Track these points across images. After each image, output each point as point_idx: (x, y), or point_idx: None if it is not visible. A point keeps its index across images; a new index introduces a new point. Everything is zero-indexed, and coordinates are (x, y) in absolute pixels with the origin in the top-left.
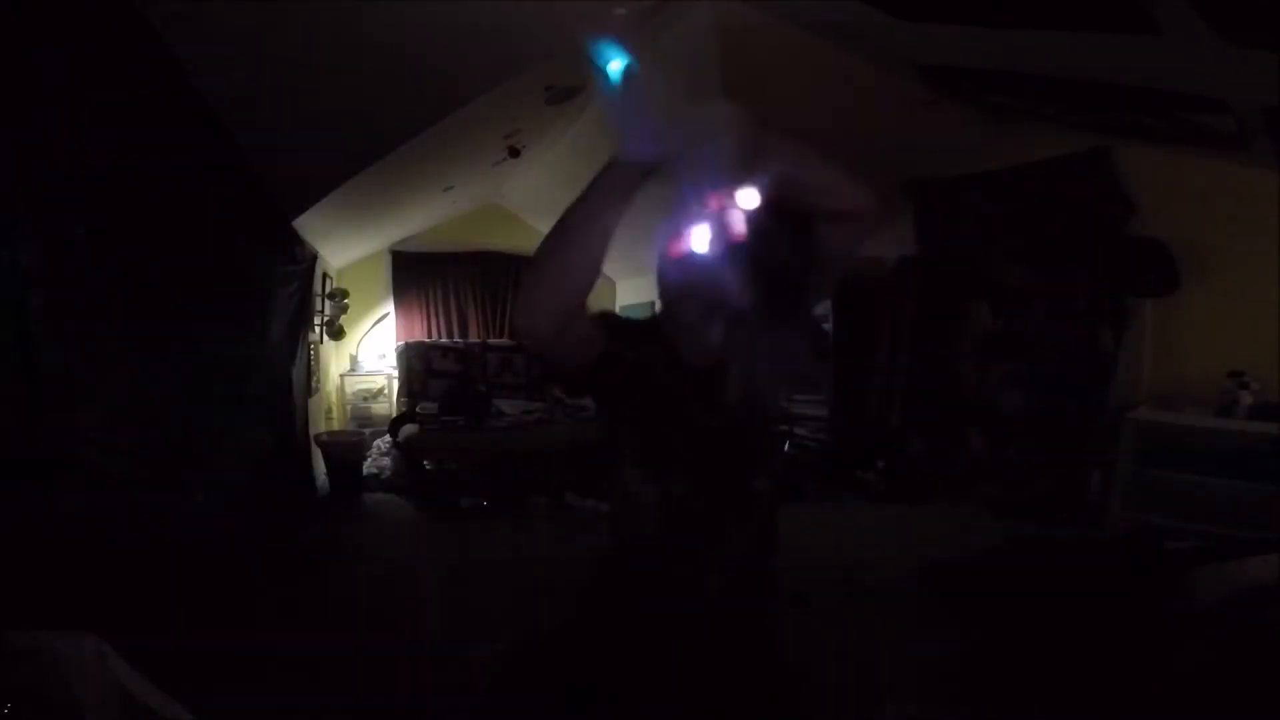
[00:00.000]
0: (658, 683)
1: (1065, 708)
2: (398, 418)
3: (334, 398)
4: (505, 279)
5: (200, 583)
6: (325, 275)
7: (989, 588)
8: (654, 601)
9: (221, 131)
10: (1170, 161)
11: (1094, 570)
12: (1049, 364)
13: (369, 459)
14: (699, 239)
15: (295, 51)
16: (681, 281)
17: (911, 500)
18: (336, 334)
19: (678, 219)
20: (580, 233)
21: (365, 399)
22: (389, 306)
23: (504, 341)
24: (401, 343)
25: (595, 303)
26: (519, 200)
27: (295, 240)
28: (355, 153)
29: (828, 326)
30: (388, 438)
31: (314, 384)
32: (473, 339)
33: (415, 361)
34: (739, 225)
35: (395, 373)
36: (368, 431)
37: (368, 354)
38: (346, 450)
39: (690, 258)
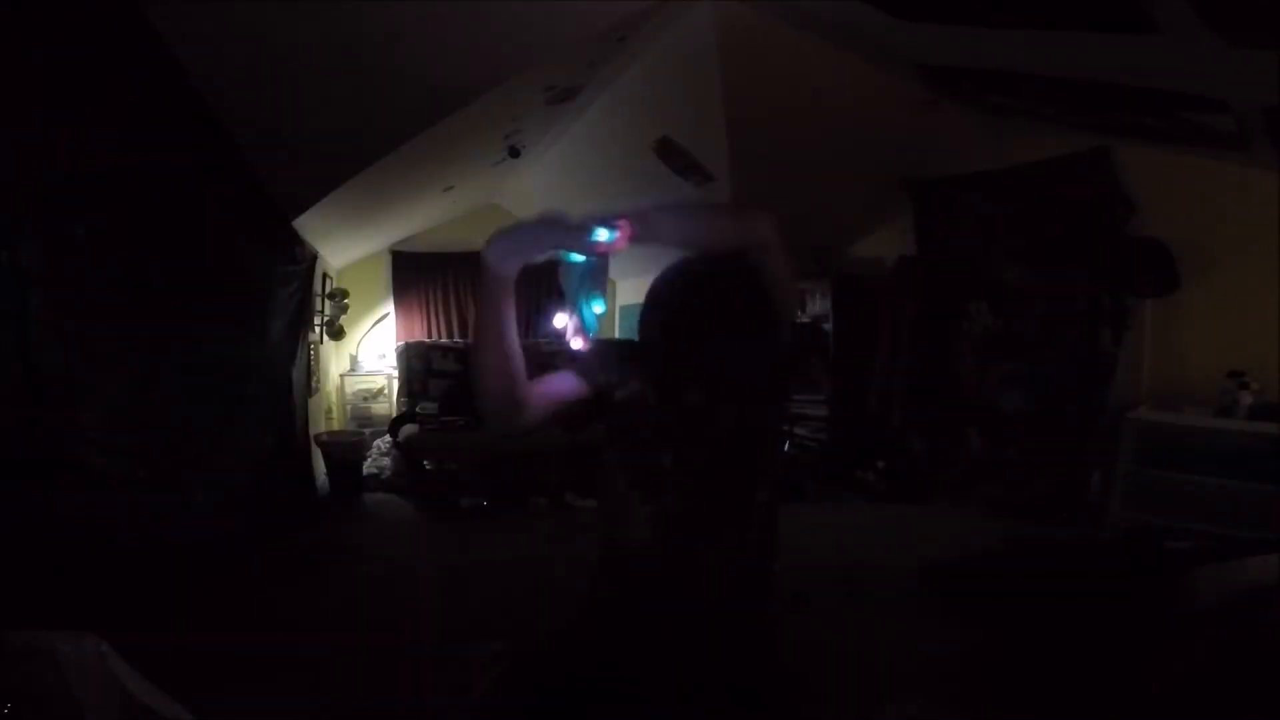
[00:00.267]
0: (657, 683)
1: (1065, 708)
2: (398, 418)
3: (334, 398)
4: None
5: (200, 583)
6: (325, 275)
7: (989, 588)
8: (653, 602)
9: (221, 131)
10: (1170, 161)
11: (1094, 570)
12: (1049, 364)
13: (369, 459)
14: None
15: (295, 51)
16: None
17: (911, 500)
18: (336, 334)
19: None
20: (489, 334)
21: (365, 399)
22: (389, 306)
23: None
24: (401, 343)
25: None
26: (519, 200)
27: (295, 240)
28: (355, 153)
29: (828, 326)
30: (388, 438)
31: (314, 384)
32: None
33: (415, 361)
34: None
35: (395, 373)
36: (368, 431)
37: (368, 354)
38: (346, 450)
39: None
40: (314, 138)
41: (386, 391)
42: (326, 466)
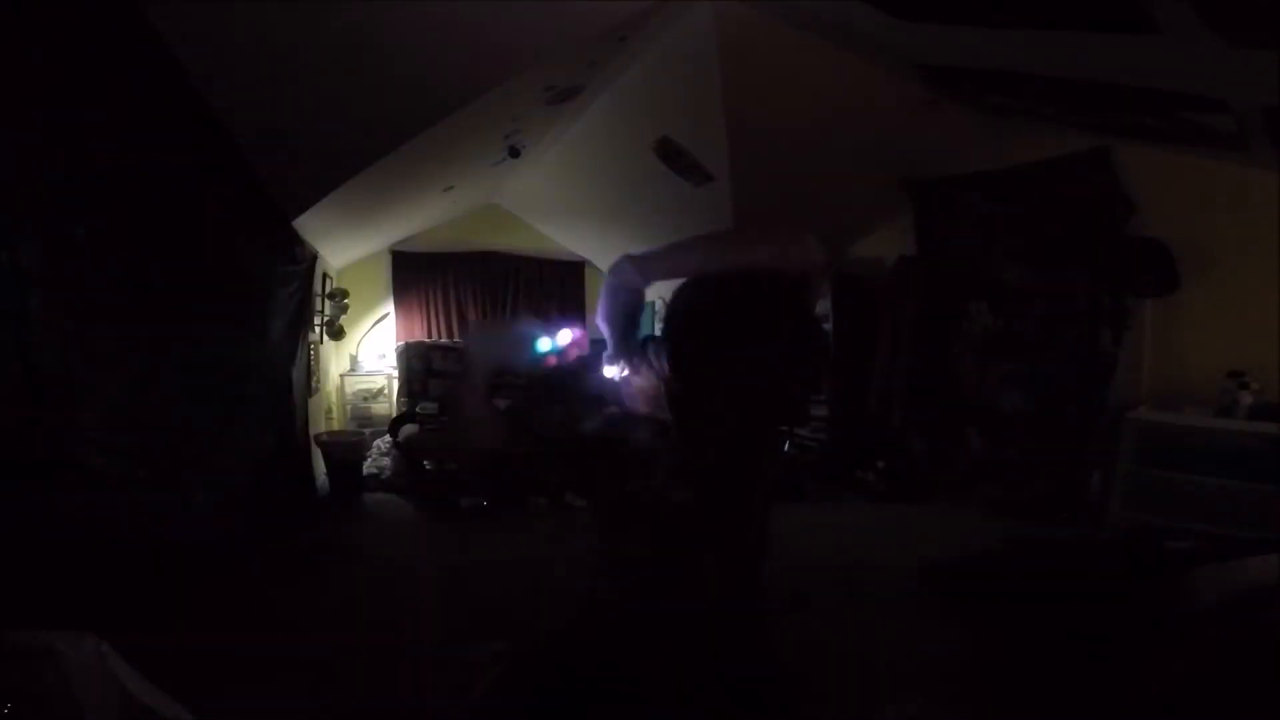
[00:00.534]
0: (657, 683)
1: (1065, 708)
2: (398, 418)
3: (334, 398)
4: (505, 279)
5: (200, 583)
6: (325, 275)
7: (989, 588)
8: (653, 603)
9: (221, 131)
10: (1170, 161)
11: (1094, 570)
12: (1049, 364)
13: (369, 459)
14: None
15: (295, 52)
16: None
17: (911, 500)
18: (336, 334)
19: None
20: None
21: (365, 399)
22: (389, 306)
23: None
24: (401, 343)
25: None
26: (519, 200)
27: (295, 240)
28: (355, 153)
29: (827, 326)
30: (388, 438)
31: (314, 384)
32: None
33: (415, 361)
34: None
35: (395, 373)
36: (368, 431)
37: (368, 354)
38: (346, 450)
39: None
40: (314, 138)
41: (386, 391)
42: (326, 466)
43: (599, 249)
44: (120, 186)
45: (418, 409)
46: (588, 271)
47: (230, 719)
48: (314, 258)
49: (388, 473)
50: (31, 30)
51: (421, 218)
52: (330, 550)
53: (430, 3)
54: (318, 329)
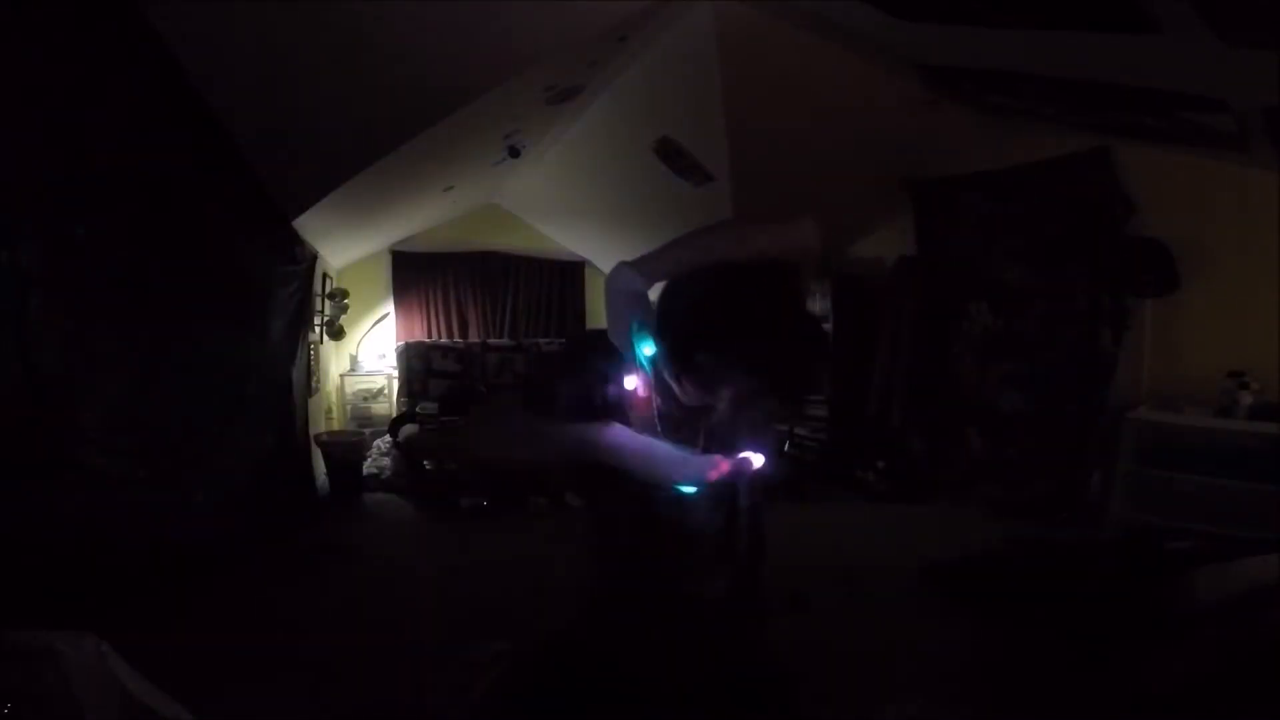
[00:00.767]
0: (657, 683)
1: (1065, 708)
2: (398, 418)
3: (334, 398)
4: (505, 279)
5: (200, 583)
6: (325, 275)
7: (989, 588)
8: (652, 603)
9: (221, 131)
10: (1170, 161)
11: (1094, 570)
12: (1049, 364)
13: (369, 459)
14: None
15: (295, 51)
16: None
17: (911, 500)
18: (336, 334)
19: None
20: None
21: (365, 399)
22: (389, 306)
23: (504, 341)
24: (401, 343)
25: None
26: (519, 200)
27: (295, 240)
28: (355, 153)
29: (828, 327)
30: (388, 438)
31: (314, 384)
32: (473, 339)
33: (415, 361)
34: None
35: (395, 373)
36: (368, 431)
37: (368, 354)
38: (346, 450)
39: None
40: (314, 138)
41: (386, 391)
42: (326, 466)
43: (599, 249)
44: (120, 186)
45: (418, 409)
46: (588, 271)
47: (230, 719)
48: (314, 258)
49: (388, 473)
50: (31, 30)
51: (421, 218)
52: (330, 550)
53: (430, 3)
54: (318, 329)
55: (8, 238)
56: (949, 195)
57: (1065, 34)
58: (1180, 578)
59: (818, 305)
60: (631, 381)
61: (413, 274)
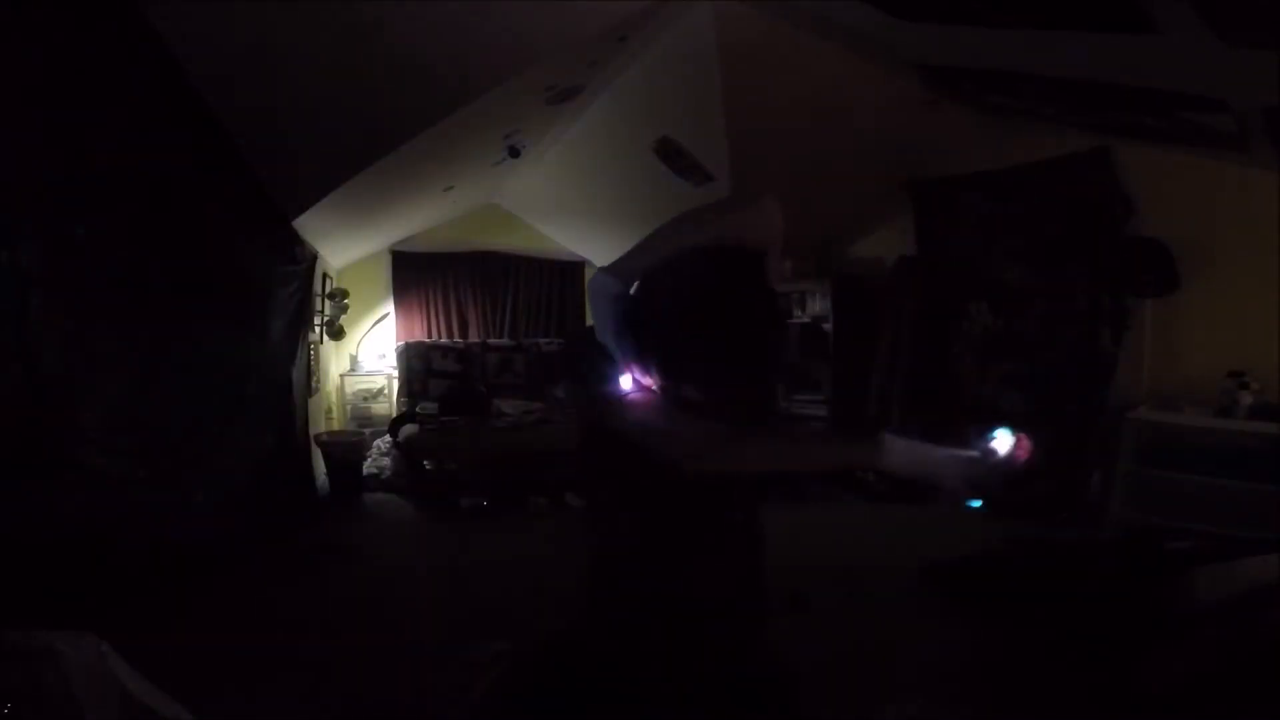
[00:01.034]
0: (657, 683)
1: (1065, 708)
2: (398, 418)
3: (334, 398)
4: (505, 279)
5: (200, 583)
6: (325, 275)
7: (989, 588)
8: (652, 603)
9: (221, 131)
10: (1170, 161)
11: (1094, 570)
12: (1049, 364)
13: (369, 459)
14: None
15: (295, 52)
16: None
17: (911, 500)
18: (336, 334)
19: None
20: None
21: (365, 399)
22: (389, 306)
23: (504, 341)
24: (401, 343)
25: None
26: (519, 200)
27: (295, 240)
28: (355, 153)
29: (827, 327)
30: (388, 438)
31: (314, 384)
32: (473, 339)
33: (415, 361)
34: None
35: (395, 373)
36: (368, 431)
37: (368, 354)
38: (346, 450)
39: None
40: (314, 138)
41: (386, 391)
42: (326, 466)
43: (599, 249)
44: (120, 186)
45: (418, 409)
46: (588, 271)
47: (230, 719)
48: (314, 258)
49: (388, 473)
50: (31, 30)
51: (421, 218)
52: (330, 550)
53: (430, 3)
54: (318, 329)
55: (8, 238)
56: (949, 195)
57: (1065, 34)
58: (1180, 578)
59: (817, 305)
60: (626, 381)
61: (413, 274)
